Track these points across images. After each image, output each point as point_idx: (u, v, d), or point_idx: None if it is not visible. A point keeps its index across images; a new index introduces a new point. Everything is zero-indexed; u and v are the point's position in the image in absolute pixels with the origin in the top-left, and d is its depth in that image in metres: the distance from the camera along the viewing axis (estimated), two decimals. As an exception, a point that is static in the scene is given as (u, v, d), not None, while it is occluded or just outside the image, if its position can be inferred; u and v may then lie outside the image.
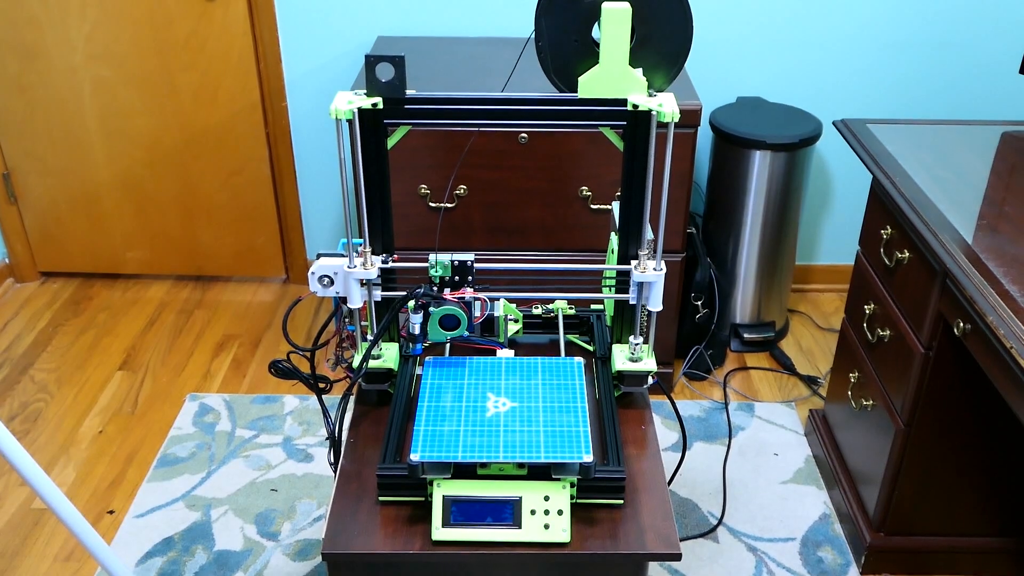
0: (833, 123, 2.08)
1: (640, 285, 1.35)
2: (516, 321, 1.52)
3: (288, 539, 2.07)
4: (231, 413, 2.47)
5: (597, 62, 1.27)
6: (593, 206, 2.29)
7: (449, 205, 2.29)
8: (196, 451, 2.33)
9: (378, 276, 1.33)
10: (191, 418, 2.45)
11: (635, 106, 1.26)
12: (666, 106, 1.24)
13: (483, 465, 1.20)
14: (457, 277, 1.34)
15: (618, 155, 2.23)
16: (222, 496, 2.19)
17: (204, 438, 2.38)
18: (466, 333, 1.33)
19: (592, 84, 1.28)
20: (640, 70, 1.29)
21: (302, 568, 2.00)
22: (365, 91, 1.27)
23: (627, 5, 1.24)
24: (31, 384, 2.59)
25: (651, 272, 1.33)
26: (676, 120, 1.22)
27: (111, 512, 2.16)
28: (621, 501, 1.23)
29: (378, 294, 1.37)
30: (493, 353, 1.44)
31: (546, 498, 1.18)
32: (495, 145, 2.22)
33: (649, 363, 1.39)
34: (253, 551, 2.04)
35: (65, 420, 2.45)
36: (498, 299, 1.42)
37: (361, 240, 1.32)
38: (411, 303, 1.32)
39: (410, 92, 1.27)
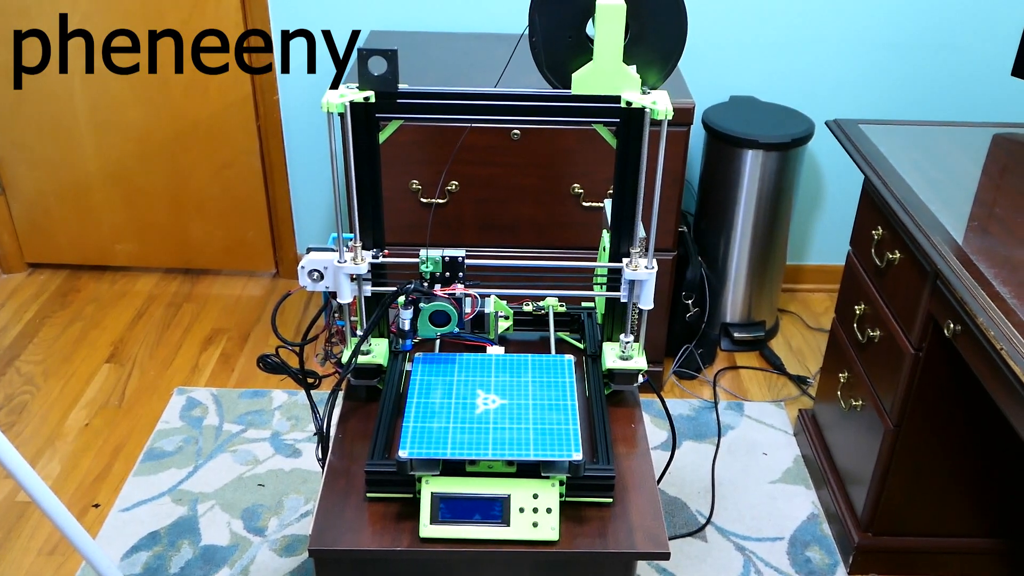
0: (825, 123, 2.08)
1: (631, 283, 1.34)
2: (507, 318, 1.52)
3: (275, 535, 2.06)
4: (219, 407, 2.46)
5: (591, 58, 1.27)
6: (585, 204, 2.28)
7: (441, 201, 2.28)
8: (183, 445, 2.32)
9: (368, 271, 1.33)
10: (178, 412, 2.44)
11: (628, 103, 1.26)
12: (659, 104, 1.23)
13: (472, 462, 1.20)
14: (448, 273, 1.33)
15: (611, 153, 2.22)
16: (209, 491, 2.18)
17: (191, 432, 2.37)
18: (456, 329, 1.32)
19: (586, 81, 1.27)
20: (634, 67, 1.29)
21: (289, 564, 1.99)
22: (357, 85, 1.26)
23: (622, 2, 1.24)
24: (17, 376, 2.57)
25: (643, 270, 1.32)
26: (669, 118, 1.22)
27: (96, 506, 2.14)
28: (610, 500, 1.22)
29: (368, 289, 1.36)
30: (483, 350, 1.43)
31: (535, 496, 1.18)
32: (487, 141, 2.21)
33: (639, 361, 1.39)
34: (239, 546, 2.03)
35: (51, 413, 2.43)
36: (489, 296, 1.42)
37: (352, 235, 1.32)
38: (401, 299, 1.31)
39: (402, 87, 1.26)
